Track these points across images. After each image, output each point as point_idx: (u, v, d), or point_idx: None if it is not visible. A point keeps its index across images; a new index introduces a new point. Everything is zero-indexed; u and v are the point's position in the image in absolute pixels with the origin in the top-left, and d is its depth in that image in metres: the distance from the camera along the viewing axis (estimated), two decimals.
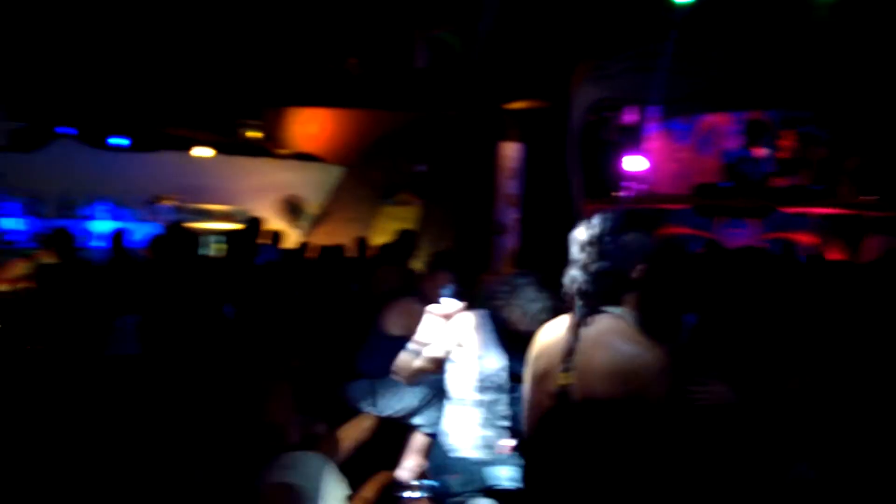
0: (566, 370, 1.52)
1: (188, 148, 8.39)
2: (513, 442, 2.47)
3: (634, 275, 1.54)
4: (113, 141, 7.72)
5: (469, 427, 2.53)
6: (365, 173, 9.26)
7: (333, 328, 4.31)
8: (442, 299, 2.64)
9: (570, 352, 1.53)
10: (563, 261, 1.54)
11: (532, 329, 1.79)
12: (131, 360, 4.73)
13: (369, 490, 2.48)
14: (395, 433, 3.42)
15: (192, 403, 3.50)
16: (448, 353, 2.56)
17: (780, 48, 5.83)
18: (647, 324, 1.52)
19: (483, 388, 2.52)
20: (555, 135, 5.42)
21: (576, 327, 1.55)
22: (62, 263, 4.62)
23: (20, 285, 4.89)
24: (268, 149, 9.30)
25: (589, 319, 1.54)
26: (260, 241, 6.03)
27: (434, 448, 2.69)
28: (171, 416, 3.66)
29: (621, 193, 6.62)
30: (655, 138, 7.65)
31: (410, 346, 2.60)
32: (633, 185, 6.93)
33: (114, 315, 4.83)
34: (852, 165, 6.91)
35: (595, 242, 1.56)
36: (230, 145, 8.90)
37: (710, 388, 2.11)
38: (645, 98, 6.45)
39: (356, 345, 3.70)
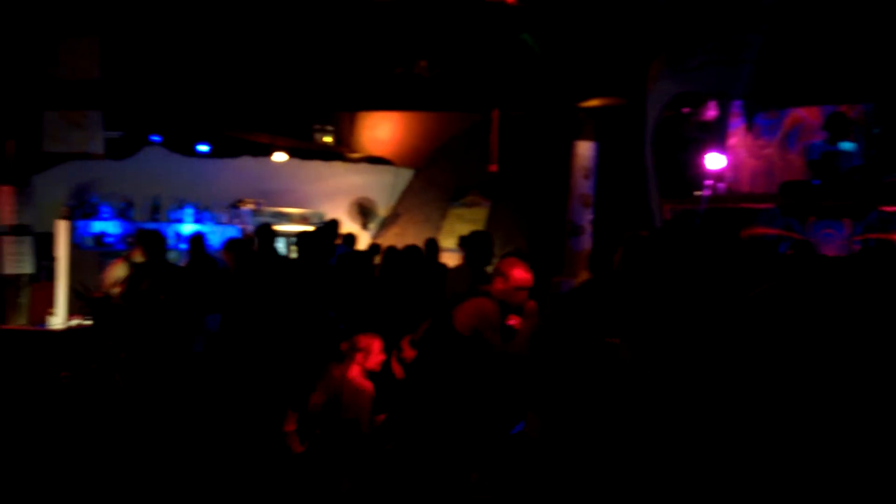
0: None
1: (266, 153, 8.73)
2: None
3: None
4: (199, 148, 8.16)
5: None
6: (433, 175, 9.32)
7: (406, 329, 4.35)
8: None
9: None
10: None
11: None
12: (214, 357, 4.96)
13: None
14: None
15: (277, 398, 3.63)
16: None
17: (876, 35, 5.42)
18: None
19: None
20: (630, 132, 5.27)
21: None
22: (152, 264, 4.88)
23: (117, 288, 5.24)
24: (340, 153, 9.53)
25: None
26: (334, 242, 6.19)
27: None
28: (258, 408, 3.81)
29: (701, 192, 6.34)
30: (737, 134, 7.28)
31: None
32: (714, 183, 6.62)
33: (198, 314, 5.07)
34: None
35: None
36: (305, 150, 9.19)
37: None
38: (727, 92, 6.15)
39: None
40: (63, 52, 6.54)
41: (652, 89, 6.16)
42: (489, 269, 4.06)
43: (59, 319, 5.88)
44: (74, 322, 5.68)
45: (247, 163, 8.70)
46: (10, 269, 5.59)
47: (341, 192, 9.20)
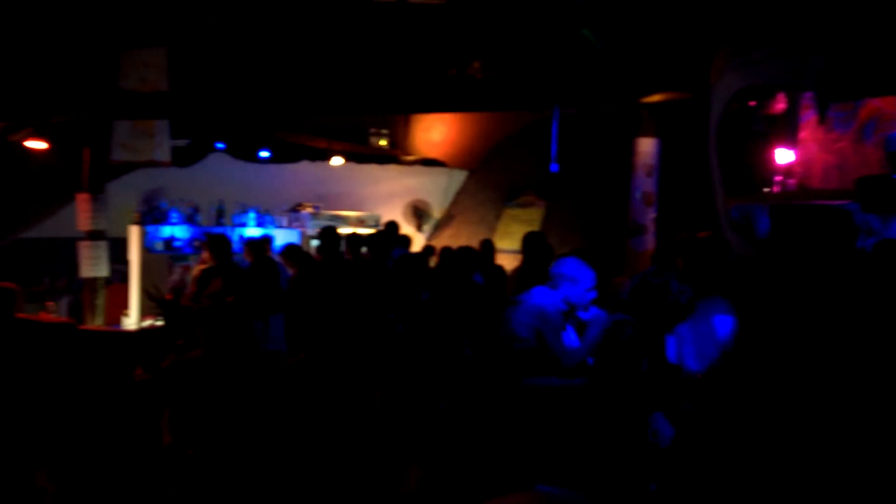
0: None
1: (324, 158, 8.90)
2: None
3: None
4: (261, 153, 8.41)
5: None
6: (487, 176, 9.29)
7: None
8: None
9: None
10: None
11: None
12: (280, 356, 5.08)
13: None
14: None
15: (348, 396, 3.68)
16: None
17: None
18: None
19: None
20: (694, 128, 5.09)
21: None
22: (221, 266, 5.05)
23: (188, 290, 5.45)
24: (395, 156, 9.62)
25: None
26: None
27: None
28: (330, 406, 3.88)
29: (769, 189, 6.06)
30: (808, 127, 6.93)
31: None
32: (783, 179, 6.32)
33: (263, 314, 5.21)
34: None
35: None
36: (361, 154, 9.33)
37: None
38: (797, 84, 5.86)
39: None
40: (132, 64, 6.86)
41: (716, 82, 5.93)
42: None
43: (132, 320, 6.16)
44: (147, 323, 5.93)
45: (305, 167, 8.90)
46: (88, 272, 5.88)
47: (396, 194, 9.28)
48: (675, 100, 4.68)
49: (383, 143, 9.53)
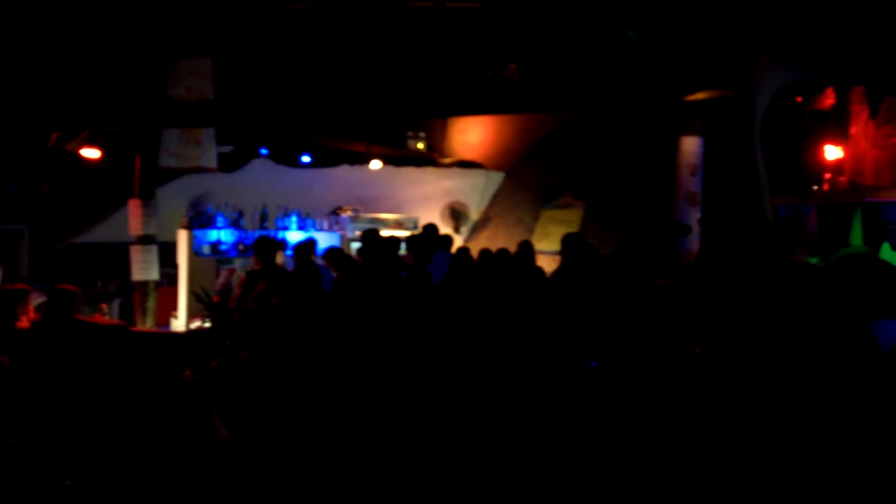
0: None
1: (363, 161, 9.01)
2: None
3: None
4: (302, 158, 8.57)
5: None
6: (525, 178, 9.24)
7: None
8: None
9: None
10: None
11: None
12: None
13: None
14: None
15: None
16: None
17: None
18: None
19: None
20: (740, 125, 4.97)
21: None
22: (265, 269, 5.16)
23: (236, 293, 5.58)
24: (432, 158, 9.67)
25: None
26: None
27: None
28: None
29: (818, 187, 5.89)
30: (859, 123, 6.70)
31: None
32: (833, 176, 6.13)
33: (307, 316, 5.29)
34: None
35: None
36: (399, 157, 9.41)
37: None
38: (846, 78, 5.68)
39: None
40: (179, 74, 7.07)
41: (761, 79, 5.79)
42: None
43: (180, 322, 6.34)
44: (195, 324, 6.10)
45: (345, 171, 9.02)
46: (139, 275, 6.08)
47: (434, 196, 9.32)
48: (719, 97, 4.58)
49: (420, 145, 9.59)
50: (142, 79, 6.61)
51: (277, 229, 7.38)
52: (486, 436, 3.18)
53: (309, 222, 7.72)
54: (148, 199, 6.27)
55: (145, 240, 6.15)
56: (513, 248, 6.39)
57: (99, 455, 3.78)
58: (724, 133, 5.02)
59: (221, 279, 6.16)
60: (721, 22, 4.61)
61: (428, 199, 9.31)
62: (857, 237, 5.94)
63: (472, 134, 9.66)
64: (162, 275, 6.66)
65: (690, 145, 4.56)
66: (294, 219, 7.54)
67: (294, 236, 7.45)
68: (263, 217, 7.33)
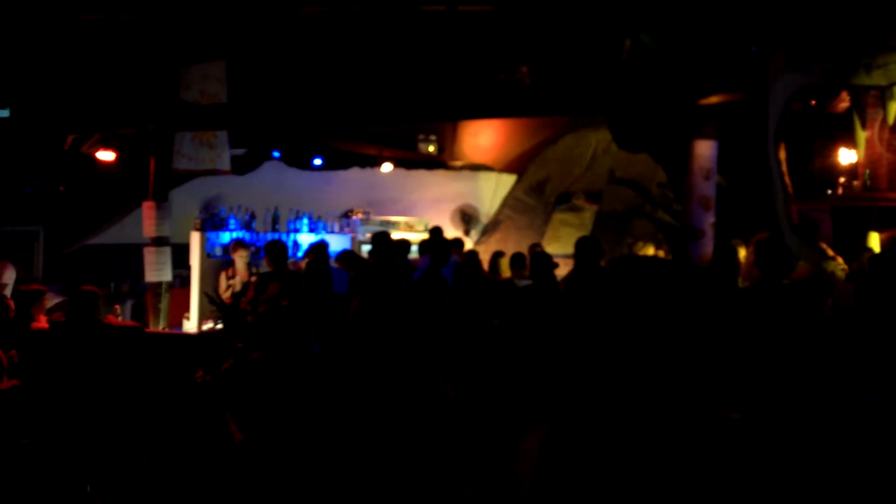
0: None
1: (374, 164, 9.05)
2: None
3: None
4: (314, 161, 8.62)
5: None
6: (536, 180, 9.24)
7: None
8: None
9: None
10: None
11: None
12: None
13: None
14: None
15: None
16: None
17: None
18: None
19: None
20: (754, 129, 4.94)
21: None
22: (277, 272, 5.18)
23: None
24: (443, 161, 9.69)
25: None
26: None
27: None
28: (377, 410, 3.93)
29: (832, 191, 5.83)
30: (873, 126, 6.62)
31: None
32: (847, 181, 6.07)
33: (316, 319, 5.31)
34: None
35: None
36: (410, 160, 9.44)
37: None
38: (863, 81, 5.61)
39: None
40: (193, 77, 7.13)
41: (774, 82, 5.75)
42: None
43: (192, 323, 6.37)
44: (207, 326, 6.13)
45: (356, 174, 9.06)
46: (152, 277, 6.12)
47: (444, 199, 9.34)
48: (733, 101, 4.55)
49: (431, 149, 9.61)
50: (156, 82, 6.66)
51: (289, 231, 7.41)
52: (498, 441, 3.17)
53: (320, 224, 7.75)
54: (161, 201, 6.32)
55: (159, 241, 6.19)
56: (524, 250, 6.38)
57: (120, 455, 3.81)
58: (739, 137, 4.99)
59: (222, 283, 6.17)
60: (735, 26, 4.59)
61: (438, 201, 9.33)
62: (874, 241, 5.88)
63: (483, 137, 9.68)
64: (174, 276, 6.70)
65: (704, 149, 4.53)
66: (305, 221, 7.57)
67: (305, 238, 7.47)
68: (275, 219, 7.37)
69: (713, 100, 4.47)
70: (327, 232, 7.77)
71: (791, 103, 5.89)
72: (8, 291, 6.41)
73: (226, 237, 6.91)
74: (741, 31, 4.77)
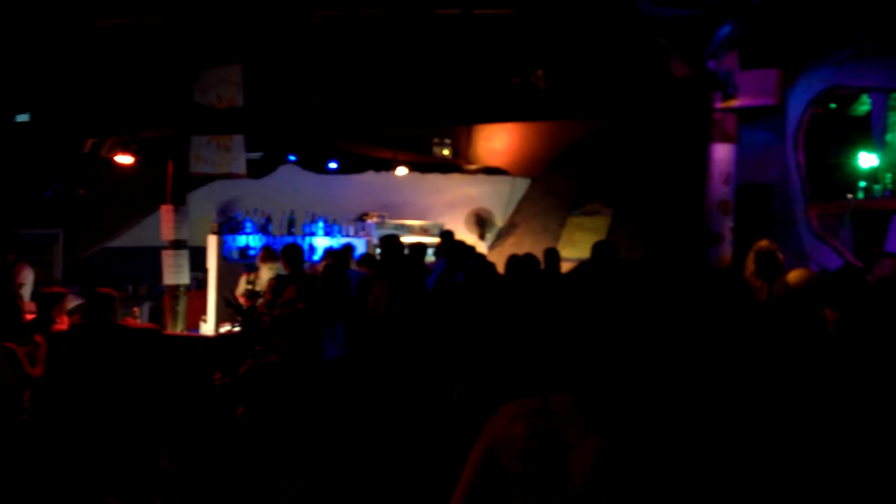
0: None
1: (389, 168, 9.06)
2: None
3: None
4: (329, 165, 8.65)
5: None
6: (551, 184, 9.20)
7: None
8: None
9: None
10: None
11: None
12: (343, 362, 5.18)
13: None
14: None
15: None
16: None
17: None
18: None
19: None
20: (774, 132, 4.89)
21: None
22: (294, 275, 5.21)
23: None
24: (458, 165, 9.68)
25: None
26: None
27: None
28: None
29: (853, 195, 5.76)
30: (895, 129, 6.54)
31: None
32: (868, 184, 6.00)
33: (332, 321, 5.33)
34: None
35: None
36: (424, 164, 9.44)
37: None
38: (884, 84, 5.55)
39: None
40: (209, 81, 7.18)
41: (793, 85, 5.70)
42: None
43: (209, 326, 6.41)
44: (224, 328, 6.16)
45: (371, 177, 9.08)
46: (170, 280, 6.16)
47: (459, 203, 9.33)
48: (753, 105, 4.51)
49: (446, 152, 9.61)
50: (174, 86, 6.72)
51: (304, 235, 7.44)
52: None
53: (335, 228, 7.78)
54: (179, 204, 6.36)
55: (176, 244, 6.23)
56: (539, 255, 6.36)
57: (139, 455, 3.83)
58: (757, 140, 4.94)
59: (240, 287, 6.21)
60: (754, 27, 4.55)
61: (453, 205, 9.33)
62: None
63: (498, 140, 9.65)
64: (191, 279, 6.75)
65: (723, 153, 4.49)
66: (321, 224, 7.61)
67: (320, 242, 7.51)
68: (291, 223, 7.41)
69: (732, 103, 4.43)
70: (342, 235, 7.79)
71: (811, 106, 5.84)
72: (26, 292, 6.51)
73: (242, 240, 6.95)
74: (761, 33, 4.73)
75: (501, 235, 9.29)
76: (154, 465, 3.64)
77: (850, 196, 5.90)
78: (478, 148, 9.88)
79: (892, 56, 4.99)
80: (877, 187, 6.07)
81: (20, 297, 6.13)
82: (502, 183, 9.50)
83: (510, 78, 7.80)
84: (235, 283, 6.48)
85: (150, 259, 7.17)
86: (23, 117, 7.19)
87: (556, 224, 8.74)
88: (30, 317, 4.70)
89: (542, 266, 6.04)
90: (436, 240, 8.21)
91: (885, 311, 3.36)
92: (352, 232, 7.93)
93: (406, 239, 8.30)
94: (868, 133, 6.58)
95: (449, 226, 8.48)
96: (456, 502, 1.56)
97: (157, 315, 6.97)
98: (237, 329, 5.80)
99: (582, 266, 4.78)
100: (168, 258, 6.18)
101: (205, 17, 6.42)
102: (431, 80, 7.50)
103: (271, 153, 8.51)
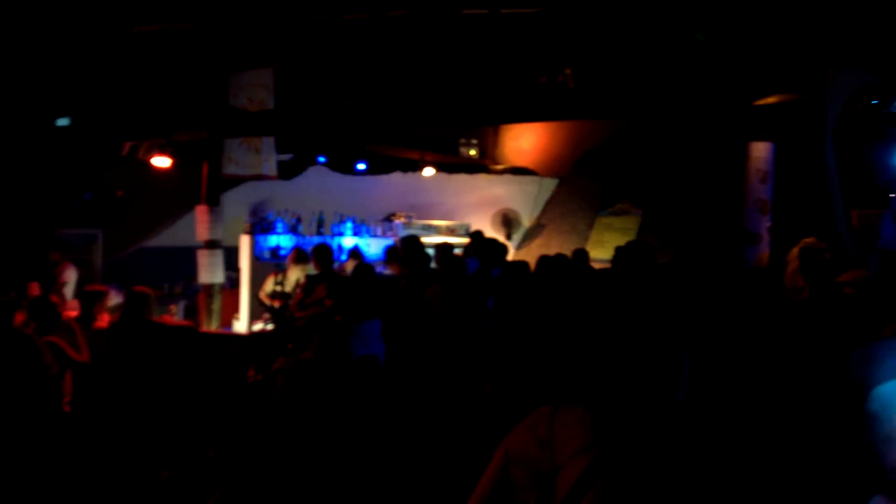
0: None
1: (416, 169, 9.12)
2: None
3: None
4: (357, 166, 8.75)
5: None
6: (579, 184, 9.15)
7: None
8: None
9: None
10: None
11: None
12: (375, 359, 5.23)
13: None
14: None
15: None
16: None
17: None
18: None
19: None
20: (812, 131, 4.78)
21: None
22: (324, 274, 5.28)
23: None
24: (484, 165, 9.69)
25: None
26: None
27: None
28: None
29: (894, 195, 5.59)
30: None
31: None
32: None
33: (359, 320, 5.39)
34: None
35: None
36: (451, 164, 9.47)
37: None
38: None
39: None
40: (241, 84, 7.32)
41: (833, 81, 5.56)
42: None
43: (242, 324, 6.54)
44: (256, 327, 6.29)
45: (398, 178, 9.15)
46: (205, 278, 6.31)
47: (486, 203, 9.34)
48: (792, 101, 4.42)
49: (473, 152, 9.63)
50: (208, 90, 6.87)
51: (333, 235, 7.54)
52: None
53: (363, 228, 7.86)
54: (214, 205, 6.51)
55: (211, 244, 6.38)
56: (567, 256, 6.32)
57: (186, 448, 3.93)
58: (796, 138, 4.83)
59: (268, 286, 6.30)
60: (793, 22, 4.46)
61: (480, 205, 9.34)
62: None
63: (525, 140, 9.63)
64: (224, 278, 6.89)
65: (760, 151, 4.42)
66: (349, 225, 7.69)
67: (349, 242, 7.59)
68: (320, 223, 7.51)
69: (770, 100, 4.36)
70: (370, 235, 7.87)
71: (852, 103, 5.69)
72: (69, 290, 6.73)
73: (273, 240, 7.07)
74: (799, 28, 4.64)
75: (528, 236, 9.27)
76: (202, 457, 3.75)
77: (892, 196, 5.74)
78: (504, 148, 9.88)
79: None
80: None
81: (62, 294, 6.34)
82: (529, 183, 9.48)
83: (538, 77, 7.78)
84: (264, 283, 6.60)
85: (183, 258, 7.34)
86: (63, 122, 7.42)
87: (584, 224, 8.68)
88: (73, 314, 4.86)
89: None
90: (462, 240, 8.23)
91: None
92: (379, 232, 8.00)
93: (430, 239, 8.37)
94: None
95: (475, 226, 8.49)
96: (472, 499, 1.54)
97: (191, 313, 7.14)
98: (269, 327, 5.91)
99: (607, 271, 4.75)
100: (203, 257, 6.32)
101: (239, 21, 6.55)
102: (459, 80, 7.52)
103: (301, 155, 8.63)
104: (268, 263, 6.99)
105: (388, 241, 7.97)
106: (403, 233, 8.26)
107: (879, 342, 1.79)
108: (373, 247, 7.88)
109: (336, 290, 5.26)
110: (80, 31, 6.73)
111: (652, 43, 5.22)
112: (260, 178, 7.71)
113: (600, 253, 7.72)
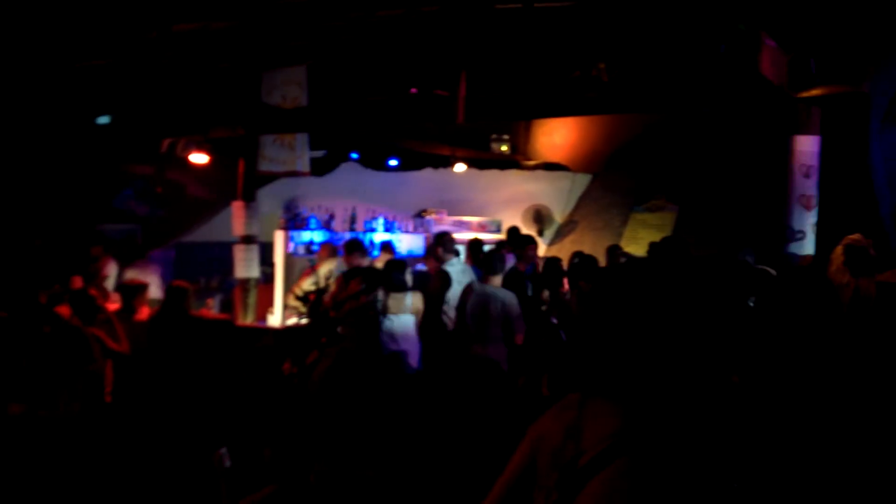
0: None
1: (447, 165, 9.10)
2: None
3: None
4: (389, 162, 8.79)
5: None
6: (613, 180, 9.02)
7: None
8: None
9: None
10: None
11: None
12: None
13: None
14: None
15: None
16: None
17: None
18: None
19: None
20: (858, 124, 4.62)
21: None
22: (358, 268, 5.32)
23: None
24: (516, 161, 9.62)
25: None
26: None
27: None
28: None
29: None
30: None
31: None
32: None
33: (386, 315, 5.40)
34: None
35: None
36: (482, 160, 9.43)
37: None
38: None
39: None
40: (274, 82, 7.40)
41: (879, 73, 5.37)
42: None
43: (276, 318, 6.63)
44: (291, 321, 6.36)
45: (429, 174, 9.15)
46: (241, 273, 6.41)
47: (517, 199, 9.28)
48: (837, 94, 4.28)
49: (504, 148, 9.57)
50: (244, 88, 6.97)
51: (365, 231, 7.58)
52: None
53: (395, 224, 7.89)
54: (250, 201, 6.60)
55: (247, 239, 6.47)
56: (600, 252, 6.25)
57: (238, 443, 3.99)
58: (842, 132, 4.67)
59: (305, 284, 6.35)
60: (838, 13, 4.31)
61: (511, 201, 9.28)
62: None
63: (558, 135, 9.54)
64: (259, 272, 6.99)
65: (805, 145, 4.28)
66: (381, 221, 7.73)
67: (380, 237, 7.63)
68: (352, 219, 7.56)
69: (815, 92, 4.22)
70: (402, 231, 7.89)
71: None
72: (110, 284, 6.91)
73: (306, 236, 7.14)
74: (845, 19, 4.48)
75: (561, 232, 9.18)
76: (257, 456, 3.79)
77: None
78: (536, 143, 9.80)
79: None
80: None
81: (102, 288, 6.51)
82: (561, 178, 9.38)
83: (571, 72, 7.69)
84: (299, 277, 6.66)
85: (219, 253, 7.47)
86: (104, 120, 7.61)
87: (618, 220, 8.56)
88: (114, 307, 4.99)
89: (604, 263, 5.96)
90: (494, 237, 8.20)
91: None
92: (411, 228, 8.02)
93: (461, 236, 8.35)
94: None
95: (507, 222, 8.45)
96: (497, 485, 1.53)
97: (227, 307, 7.27)
98: (304, 321, 5.97)
99: (638, 263, 4.68)
100: (239, 252, 6.42)
101: (275, 19, 6.62)
102: (492, 75, 7.48)
103: (334, 151, 8.70)
104: (301, 258, 7.07)
105: (420, 237, 7.98)
106: (435, 229, 8.27)
107: None
108: (404, 243, 7.90)
109: (370, 284, 5.29)
110: (121, 32, 6.88)
111: (689, 34, 5.10)
112: (294, 174, 7.79)
113: (636, 249, 7.60)
